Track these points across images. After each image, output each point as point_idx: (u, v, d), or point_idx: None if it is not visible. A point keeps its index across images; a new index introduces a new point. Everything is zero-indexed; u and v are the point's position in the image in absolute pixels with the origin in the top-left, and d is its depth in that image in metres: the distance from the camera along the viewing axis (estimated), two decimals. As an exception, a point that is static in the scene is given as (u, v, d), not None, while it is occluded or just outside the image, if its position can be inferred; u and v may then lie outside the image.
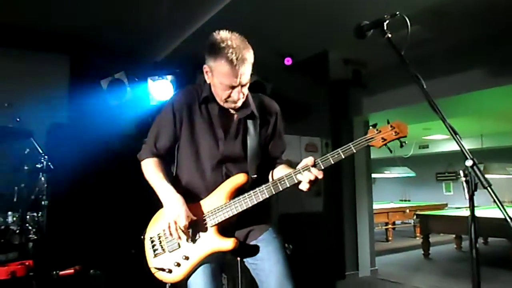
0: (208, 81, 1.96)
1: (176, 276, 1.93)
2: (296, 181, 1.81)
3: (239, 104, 1.95)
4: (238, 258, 2.05)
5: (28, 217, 3.56)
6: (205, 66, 1.92)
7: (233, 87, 1.86)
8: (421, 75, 1.63)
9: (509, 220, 1.39)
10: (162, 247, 1.98)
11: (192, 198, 1.95)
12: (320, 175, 1.78)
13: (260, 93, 2.17)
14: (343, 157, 1.77)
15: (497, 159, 9.79)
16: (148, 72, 4.44)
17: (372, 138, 1.77)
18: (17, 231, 3.46)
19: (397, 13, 1.71)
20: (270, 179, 2.06)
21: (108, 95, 4.35)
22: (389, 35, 1.74)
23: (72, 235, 3.82)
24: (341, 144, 1.77)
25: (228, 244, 1.87)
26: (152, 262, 1.99)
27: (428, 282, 5.96)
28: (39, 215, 3.67)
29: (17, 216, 3.54)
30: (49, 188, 3.74)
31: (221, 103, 1.95)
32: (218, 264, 1.97)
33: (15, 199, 3.60)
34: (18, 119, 3.76)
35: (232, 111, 2.01)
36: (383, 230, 10.58)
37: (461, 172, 1.47)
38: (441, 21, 4.24)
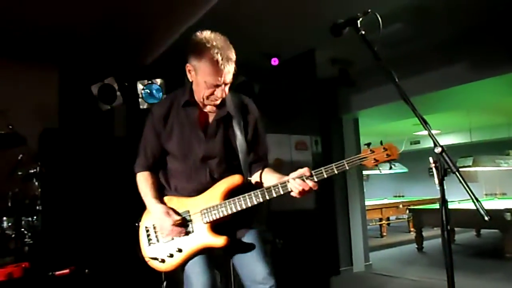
0: (190, 80, 2.03)
1: (169, 266, 2.03)
2: (289, 189, 1.89)
3: (218, 102, 2.02)
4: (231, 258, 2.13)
5: (23, 222, 3.62)
6: (188, 65, 1.99)
7: (217, 86, 1.94)
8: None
9: (478, 206, 1.48)
10: (156, 237, 2.07)
11: (184, 196, 2.06)
12: (314, 187, 1.87)
13: (248, 93, 2.24)
14: (336, 172, 1.85)
15: (486, 152, 9.88)
16: (138, 76, 4.50)
17: (365, 157, 1.86)
18: (13, 236, 3.51)
19: (369, 10, 1.78)
20: (258, 178, 2.14)
21: (98, 100, 4.40)
22: (363, 32, 1.80)
23: (67, 237, 3.88)
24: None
25: (219, 241, 1.97)
26: (146, 251, 2.09)
27: (421, 274, 6.04)
28: (34, 219, 3.72)
29: (12, 221, 3.59)
30: (43, 193, 3.80)
31: (202, 101, 2.02)
32: (212, 257, 2.05)
33: (9, 204, 3.65)
34: (10, 127, 3.81)
35: (209, 113, 2.08)
36: (377, 226, 10.64)
37: (431, 159, 1.56)
38: (424, 16, 4.32)
